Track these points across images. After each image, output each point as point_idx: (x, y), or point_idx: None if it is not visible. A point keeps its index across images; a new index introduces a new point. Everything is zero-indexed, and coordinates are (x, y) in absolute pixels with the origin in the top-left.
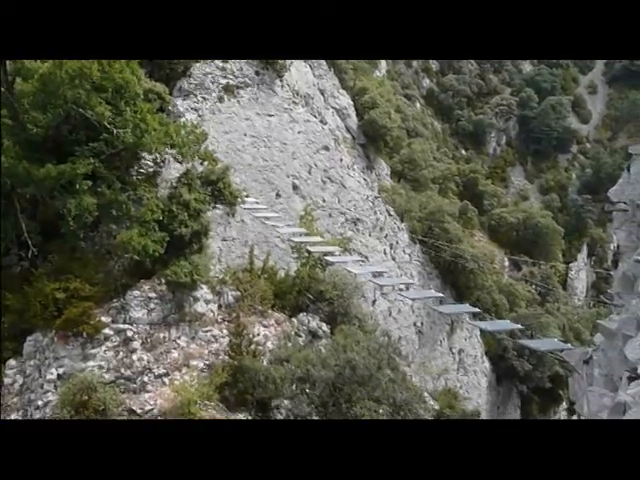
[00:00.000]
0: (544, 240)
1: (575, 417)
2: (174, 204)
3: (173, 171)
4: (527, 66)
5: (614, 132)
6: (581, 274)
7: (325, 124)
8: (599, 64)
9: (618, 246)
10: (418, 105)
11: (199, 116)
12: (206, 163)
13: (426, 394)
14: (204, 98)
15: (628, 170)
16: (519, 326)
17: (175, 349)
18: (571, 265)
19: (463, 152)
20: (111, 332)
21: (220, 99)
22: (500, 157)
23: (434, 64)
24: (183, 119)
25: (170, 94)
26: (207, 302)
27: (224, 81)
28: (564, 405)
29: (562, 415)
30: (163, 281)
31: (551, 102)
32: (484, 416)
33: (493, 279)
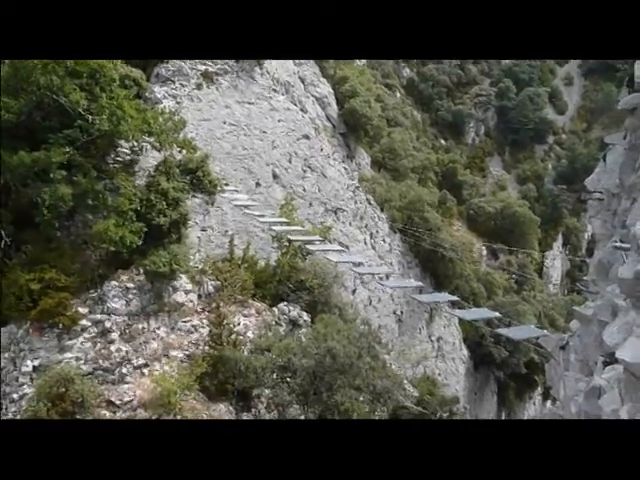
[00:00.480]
0: (521, 229)
1: (550, 402)
2: (152, 193)
3: (151, 159)
4: None
5: (589, 123)
6: (556, 262)
7: (305, 113)
8: None
9: (592, 235)
10: (398, 95)
11: (177, 103)
12: (185, 151)
13: (406, 381)
14: (182, 85)
15: (604, 160)
16: (497, 314)
17: (154, 340)
18: (547, 254)
19: (442, 142)
20: (88, 323)
21: (199, 86)
22: (479, 147)
23: None
24: (161, 106)
25: (147, 80)
26: (186, 292)
27: (203, 68)
28: (539, 390)
29: (537, 400)
30: (141, 271)
31: (529, 93)
32: (462, 401)
33: (471, 268)
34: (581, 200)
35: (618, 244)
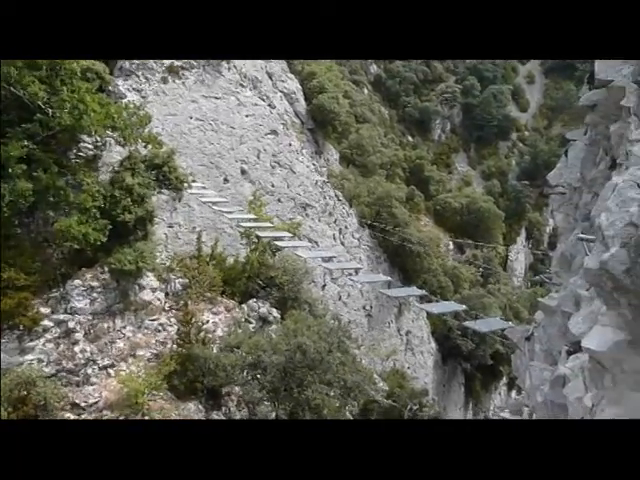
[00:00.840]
0: (486, 224)
1: (515, 391)
2: (116, 189)
3: (115, 155)
4: None
5: (550, 121)
6: (520, 256)
7: (273, 108)
8: None
9: (554, 228)
10: (366, 91)
11: (142, 97)
12: (150, 146)
13: (376, 375)
14: (147, 79)
15: (565, 155)
16: (463, 307)
17: (120, 339)
18: (511, 247)
19: (410, 138)
20: (51, 323)
21: (164, 80)
22: (445, 144)
23: None
24: (125, 100)
25: (111, 74)
26: (153, 290)
27: (168, 62)
28: (504, 380)
29: (502, 390)
30: (106, 269)
31: (493, 91)
32: (431, 394)
33: (439, 262)
34: (543, 195)
35: (583, 236)
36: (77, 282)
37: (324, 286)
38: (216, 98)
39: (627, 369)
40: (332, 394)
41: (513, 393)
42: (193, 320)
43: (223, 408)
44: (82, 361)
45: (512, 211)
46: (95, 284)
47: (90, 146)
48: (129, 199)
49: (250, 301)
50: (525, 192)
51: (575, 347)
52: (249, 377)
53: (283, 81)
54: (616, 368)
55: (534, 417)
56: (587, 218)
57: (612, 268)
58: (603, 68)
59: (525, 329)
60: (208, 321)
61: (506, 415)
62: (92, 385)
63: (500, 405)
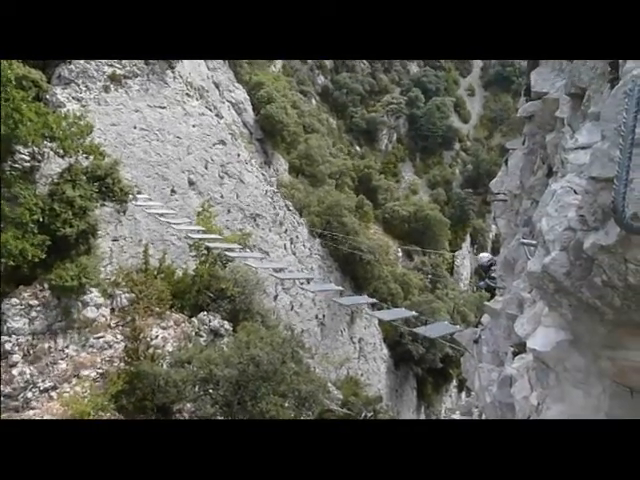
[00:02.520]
0: (432, 231)
1: (464, 393)
2: (56, 202)
3: (54, 166)
4: (414, 67)
5: (490, 131)
6: (465, 261)
7: (221, 118)
8: (476, 68)
9: (497, 234)
10: (314, 101)
11: (82, 106)
12: (92, 157)
13: (330, 384)
14: (87, 87)
15: (506, 164)
16: (413, 313)
17: (63, 359)
18: (457, 253)
19: (358, 148)
20: None
21: (106, 89)
22: (391, 153)
23: (328, 61)
24: (64, 109)
25: (48, 82)
26: (98, 306)
27: (110, 70)
28: (454, 382)
29: (453, 392)
30: (46, 286)
31: (436, 102)
32: (384, 399)
33: (389, 269)
34: (486, 202)
35: (524, 240)
36: (14, 301)
37: (276, 296)
38: (161, 107)
39: (569, 367)
40: (287, 405)
41: (463, 395)
42: (141, 336)
43: None
44: (21, 384)
45: (457, 218)
46: (34, 302)
47: (27, 157)
48: (70, 212)
49: (201, 314)
50: (469, 200)
51: (520, 348)
52: (201, 392)
53: (230, 91)
54: (559, 367)
55: (484, 417)
56: (527, 223)
57: (553, 271)
58: (538, 81)
59: (473, 332)
60: (157, 336)
61: (456, 416)
62: (33, 409)
63: (451, 407)
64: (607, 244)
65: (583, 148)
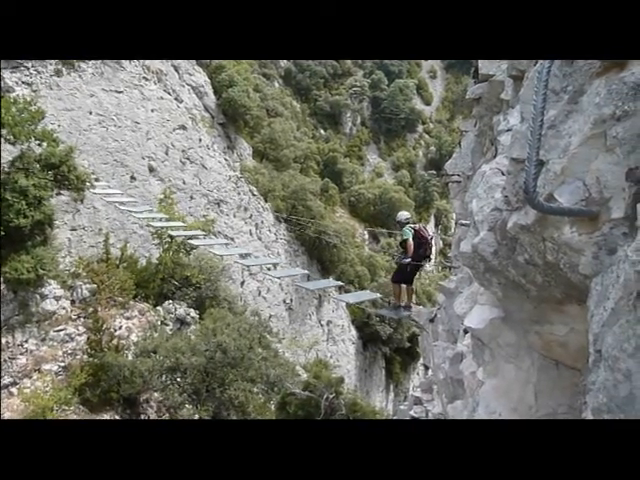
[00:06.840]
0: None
1: (430, 371)
2: (8, 192)
3: (5, 154)
4: None
5: (452, 113)
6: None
7: (181, 102)
8: None
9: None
10: (277, 85)
11: (33, 91)
12: (45, 144)
13: (299, 367)
14: (38, 71)
15: (459, 145)
16: (378, 295)
17: (22, 354)
18: None
19: (322, 132)
20: None
21: (58, 73)
22: (356, 136)
23: None
24: (13, 94)
25: None
26: (57, 298)
27: None
28: (421, 361)
29: (420, 370)
30: (1, 280)
31: (399, 85)
32: (353, 380)
33: (355, 252)
34: (443, 183)
35: (463, 221)
36: None
37: (243, 282)
38: (118, 92)
39: (502, 343)
40: (255, 390)
41: (430, 372)
42: (104, 327)
43: (142, 416)
44: None
45: (421, 200)
46: None
47: None
48: (24, 202)
49: (166, 303)
50: (432, 181)
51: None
52: (168, 381)
53: (190, 74)
54: (493, 343)
55: (441, 394)
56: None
57: (482, 250)
58: (485, 63)
59: (430, 311)
60: (121, 327)
61: (418, 394)
62: None
63: (418, 385)
64: (526, 224)
65: (511, 130)
